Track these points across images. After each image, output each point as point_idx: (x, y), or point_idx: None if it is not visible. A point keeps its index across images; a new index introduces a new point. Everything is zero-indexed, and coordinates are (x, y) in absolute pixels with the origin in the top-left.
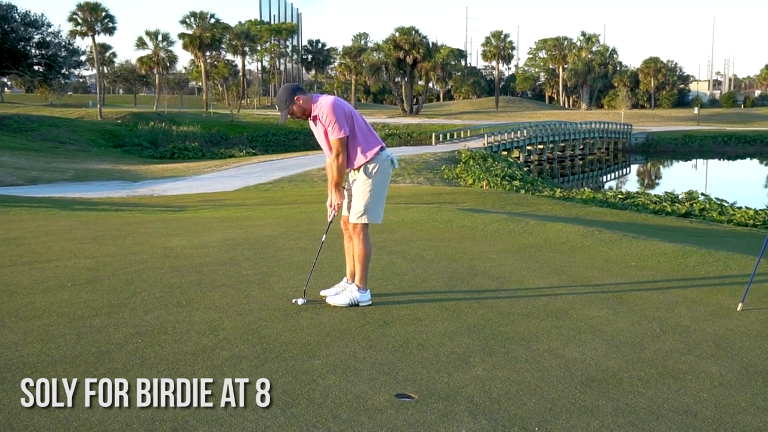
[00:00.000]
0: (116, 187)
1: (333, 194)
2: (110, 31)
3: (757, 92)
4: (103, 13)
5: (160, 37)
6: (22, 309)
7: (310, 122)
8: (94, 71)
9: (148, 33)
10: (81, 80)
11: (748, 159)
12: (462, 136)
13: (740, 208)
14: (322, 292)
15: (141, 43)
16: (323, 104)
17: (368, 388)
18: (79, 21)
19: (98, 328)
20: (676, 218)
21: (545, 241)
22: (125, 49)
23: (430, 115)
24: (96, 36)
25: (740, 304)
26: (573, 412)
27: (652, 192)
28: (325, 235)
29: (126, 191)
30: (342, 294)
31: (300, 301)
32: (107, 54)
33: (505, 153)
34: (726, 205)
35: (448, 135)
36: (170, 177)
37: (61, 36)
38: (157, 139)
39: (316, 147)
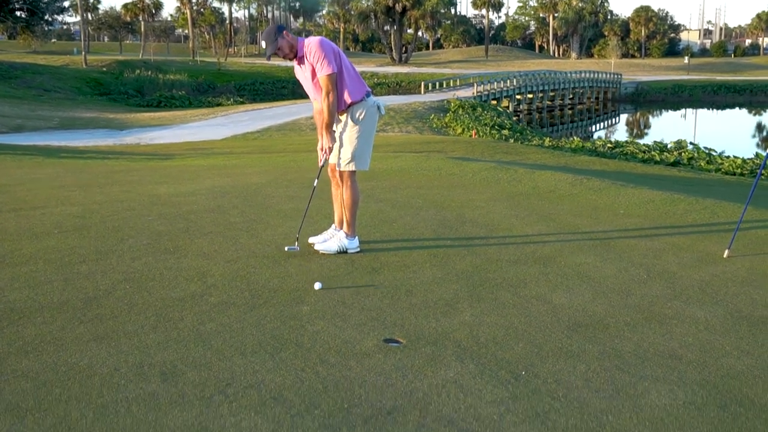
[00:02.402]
0: (102, 135)
1: (324, 138)
2: None
3: (748, 41)
4: None
5: None
6: (8, 255)
7: (296, 67)
8: (78, 18)
9: None
10: (65, 27)
11: (738, 108)
12: (451, 85)
13: (728, 157)
14: (311, 239)
15: None
16: (311, 42)
17: (356, 333)
18: None
19: (85, 275)
20: (664, 167)
21: (534, 189)
22: None
23: (420, 64)
24: None
25: (726, 251)
26: (560, 356)
27: (641, 141)
28: (316, 181)
29: (112, 139)
30: (331, 241)
31: (292, 248)
32: (91, 0)
33: (494, 102)
34: (714, 154)
35: (438, 84)
36: (157, 125)
37: None
38: (143, 88)
39: (304, 96)
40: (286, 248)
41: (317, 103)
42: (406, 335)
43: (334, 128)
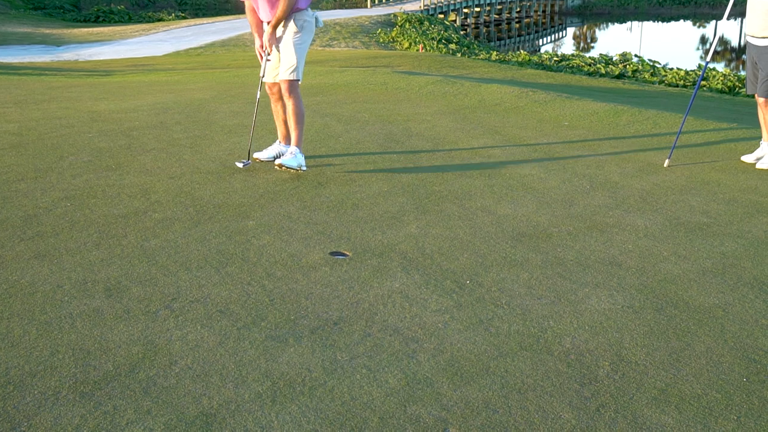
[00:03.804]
0: (38, 51)
1: (266, 35)
2: None
3: None
4: None
5: None
6: None
7: None
8: None
9: None
10: None
11: (682, 21)
12: None
13: (672, 69)
14: (256, 155)
15: None
16: None
17: (302, 247)
18: None
19: (24, 193)
20: (609, 80)
21: (480, 102)
22: None
23: None
24: None
25: (667, 160)
26: (504, 265)
27: (587, 55)
28: (259, 93)
29: (49, 56)
30: (290, 158)
31: (242, 164)
32: None
33: (441, 16)
34: (658, 66)
35: None
36: (96, 41)
37: None
38: (80, 2)
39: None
40: (238, 164)
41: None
42: (352, 248)
43: (260, 41)
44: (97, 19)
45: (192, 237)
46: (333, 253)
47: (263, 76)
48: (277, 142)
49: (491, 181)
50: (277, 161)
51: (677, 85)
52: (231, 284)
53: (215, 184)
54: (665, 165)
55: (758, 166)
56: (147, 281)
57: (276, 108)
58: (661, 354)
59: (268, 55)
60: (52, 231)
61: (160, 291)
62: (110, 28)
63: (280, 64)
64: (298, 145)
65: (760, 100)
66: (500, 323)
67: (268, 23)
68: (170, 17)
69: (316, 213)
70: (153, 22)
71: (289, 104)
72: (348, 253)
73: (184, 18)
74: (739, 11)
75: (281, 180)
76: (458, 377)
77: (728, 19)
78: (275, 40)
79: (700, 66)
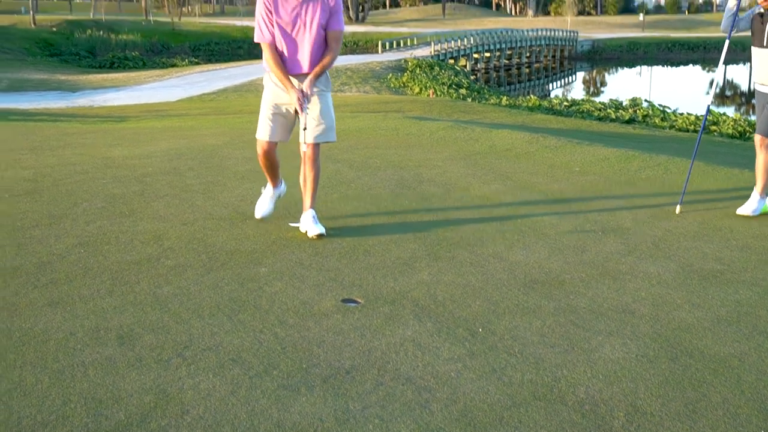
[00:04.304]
0: (54, 97)
1: (308, 85)
2: None
3: None
4: None
5: None
6: None
7: (283, 3)
8: None
9: None
10: None
11: (691, 65)
12: (409, 44)
13: (682, 114)
14: (293, 224)
15: None
16: None
17: (314, 294)
18: None
19: (39, 239)
20: (619, 125)
21: (491, 148)
22: None
23: (377, 22)
24: None
25: (678, 206)
26: (516, 312)
27: (597, 99)
28: (304, 145)
29: (64, 101)
30: (319, 223)
31: (295, 224)
32: None
33: (452, 61)
34: (668, 111)
35: (395, 43)
36: (110, 87)
37: None
38: (95, 48)
39: (260, 56)
40: (290, 224)
41: (283, 46)
42: (364, 295)
43: (298, 91)
44: (112, 65)
45: (204, 284)
46: (345, 300)
47: (305, 128)
48: (310, 212)
49: (503, 227)
50: (314, 233)
51: (688, 130)
52: (243, 332)
53: (227, 230)
54: (677, 211)
55: (738, 211)
56: (159, 329)
57: (307, 174)
58: (677, 405)
59: (307, 108)
60: (66, 278)
61: (172, 339)
62: (124, 73)
63: (308, 124)
64: (313, 207)
65: (757, 137)
66: (513, 372)
67: (305, 74)
68: (184, 63)
69: (328, 259)
70: (167, 68)
71: (316, 165)
72: (360, 300)
73: (198, 63)
74: (745, 57)
75: (293, 227)
76: (471, 428)
77: (725, 64)
78: (310, 89)
79: (710, 110)
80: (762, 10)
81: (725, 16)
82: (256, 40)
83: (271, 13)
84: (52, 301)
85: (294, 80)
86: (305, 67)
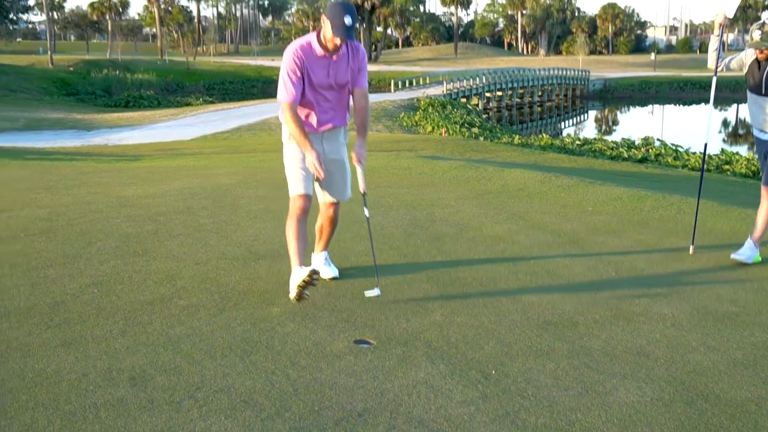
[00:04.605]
0: (70, 136)
1: (362, 150)
2: None
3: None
4: None
5: None
6: None
7: (316, 60)
8: (44, 17)
9: None
10: (30, 26)
11: (703, 104)
12: (421, 83)
13: (694, 153)
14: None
15: None
16: (360, 45)
17: (327, 335)
18: None
19: (53, 279)
20: (632, 164)
21: (503, 187)
22: None
23: (389, 62)
24: None
25: (691, 247)
26: (529, 354)
27: (609, 138)
28: (366, 210)
29: (80, 140)
30: (331, 264)
31: (371, 293)
32: None
33: (464, 100)
34: (681, 150)
35: (407, 82)
36: (125, 126)
37: None
38: (111, 87)
39: (273, 95)
40: (366, 293)
41: (311, 103)
42: (376, 336)
43: (316, 153)
44: (127, 104)
45: (217, 324)
46: (358, 342)
47: (364, 194)
48: (324, 254)
49: (516, 267)
50: (327, 276)
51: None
52: (255, 373)
53: (240, 270)
54: (690, 252)
55: (732, 256)
56: (171, 370)
57: (324, 225)
58: None
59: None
60: (79, 318)
61: (184, 380)
62: (140, 112)
63: (333, 181)
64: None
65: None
66: (527, 416)
67: (330, 129)
68: (198, 102)
69: (340, 300)
70: (181, 106)
71: (335, 222)
72: (373, 342)
73: (212, 102)
74: (743, 97)
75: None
76: None
77: (715, 104)
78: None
79: (723, 150)
80: (758, 58)
81: (710, 54)
82: (279, 98)
83: (300, 71)
84: (65, 341)
85: (314, 138)
86: (331, 123)
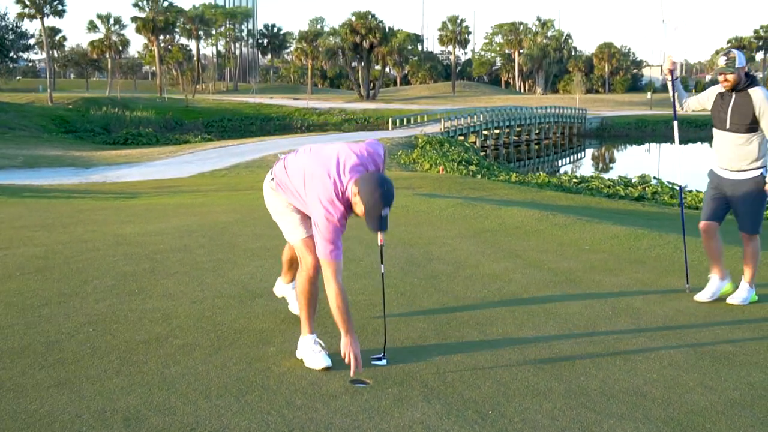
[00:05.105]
0: (68, 173)
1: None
2: (60, 13)
3: (708, 77)
4: None
5: (111, 21)
6: None
7: (341, 213)
8: (44, 55)
9: (99, 16)
10: (30, 64)
11: (699, 143)
12: (419, 121)
13: (691, 191)
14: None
15: (92, 27)
16: None
17: (323, 375)
18: (27, 3)
19: (48, 318)
20: (629, 202)
21: (500, 225)
22: (76, 33)
23: (387, 100)
24: (45, 18)
25: (686, 286)
26: (526, 394)
27: (606, 176)
28: (383, 266)
29: (78, 178)
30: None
31: (376, 362)
32: (57, 37)
33: (461, 138)
34: (677, 188)
35: (405, 120)
36: (124, 163)
37: (7, 18)
38: (110, 125)
39: (272, 132)
40: (371, 361)
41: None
42: (372, 376)
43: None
44: (126, 142)
45: (212, 364)
46: (353, 381)
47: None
48: (292, 285)
49: (512, 306)
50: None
51: (697, 208)
52: (250, 413)
53: (237, 308)
54: (686, 290)
55: (729, 300)
56: (166, 410)
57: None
58: None
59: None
60: (74, 357)
61: (179, 420)
62: (138, 150)
63: None
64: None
65: (745, 236)
66: None
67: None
68: (196, 139)
69: (336, 339)
70: (180, 144)
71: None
72: (369, 381)
73: (210, 140)
74: (702, 136)
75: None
76: None
77: (681, 143)
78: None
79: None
80: (722, 90)
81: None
82: (330, 259)
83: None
84: (59, 381)
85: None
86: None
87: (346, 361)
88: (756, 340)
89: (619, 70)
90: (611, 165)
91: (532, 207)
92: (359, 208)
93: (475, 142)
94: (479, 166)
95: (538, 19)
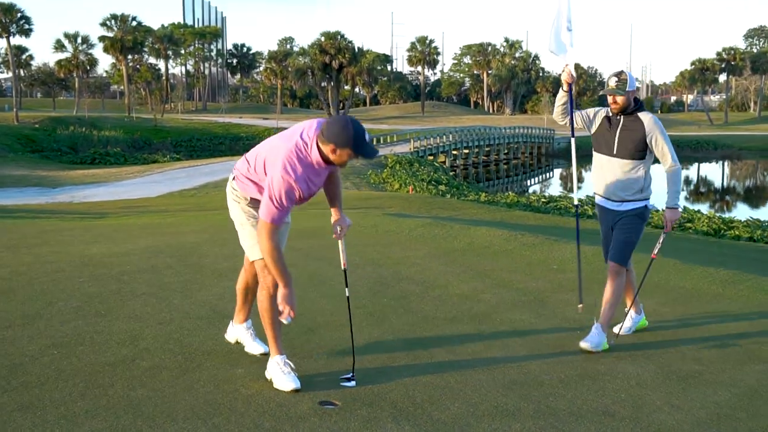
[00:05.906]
0: (34, 193)
1: (341, 220)
2: (26, 32)
3: (673, 98)
4: (19, 14)
5: (79, 40)
6: None
7: (312, 169)
8: (10, 74)
9: (66, 35)
10: None
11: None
12: (388, 141)
13: (657, 210)
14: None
15: (59, 46)
16: None
17: (291, 397)
18: None
19: (11, 340)
20: (596, 221)
21: (469, 245)
22: (43, 52)
23: (357, 119)
24: (11, 38)
25: (580, 305)
26: (495, 415)
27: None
28: (347, 290)
29: (44, 198)
30: (257, 341)
31: (345, 383)
32: (24, 56)
33: (431, 158)
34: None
35: (375, 140)
36: (91, 183)
37: None
38: (77, 144)
39: (241, 152)
40: (340, 382)
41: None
42: (341, 397)
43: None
44: (94, 161)
45: (179, 386)
46: (322, 403)
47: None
48: (249, 327)
49: (481, 326)
50: (257, 351)
51: (662, 227)
52: None
53: (204, 330)
54: (579, 309)
55: (614, 330)
56: None
57: (253, 285)
58: None
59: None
60: (38, 381)
61: None
62: (106, 169)
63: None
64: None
65: (614, 266)
66: None
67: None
68: (165, 159)
69: (305, 360)
70: (148, 163)
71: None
72: (337, 403)
73: (179, 159)
74: (706, 156)
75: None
76: None
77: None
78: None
79: (685, 208)
80: (609, 114)
81: (556, 107)
82: (270, 220)
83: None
84: (22, 405)
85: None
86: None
87: (281, 309)
88: (722, 359)
89: (586, 90)
90: (579, 185)
91: (501, 227)
92: (336, 152)
93: (444, 162)
94: (449, 185)
95: (506, 40)
